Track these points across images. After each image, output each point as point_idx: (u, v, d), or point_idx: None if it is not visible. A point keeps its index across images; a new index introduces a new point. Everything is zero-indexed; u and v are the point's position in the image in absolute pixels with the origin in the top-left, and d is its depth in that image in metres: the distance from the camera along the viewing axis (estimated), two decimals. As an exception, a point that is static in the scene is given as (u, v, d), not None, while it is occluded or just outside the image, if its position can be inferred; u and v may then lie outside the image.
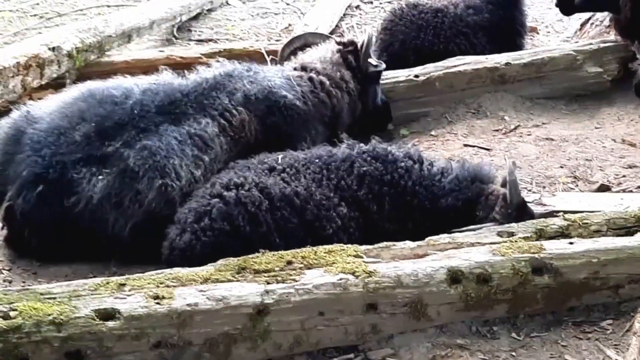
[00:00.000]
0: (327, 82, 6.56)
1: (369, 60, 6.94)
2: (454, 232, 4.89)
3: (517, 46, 8.94)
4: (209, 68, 6.21)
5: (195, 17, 11.21)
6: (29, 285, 4.71)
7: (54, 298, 3.95)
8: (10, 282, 5.13)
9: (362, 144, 5.47)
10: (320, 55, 6.83)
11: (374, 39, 6.97)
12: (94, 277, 4.88)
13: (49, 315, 3.80)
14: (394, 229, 5.12)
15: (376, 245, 4.58)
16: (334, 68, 6.71)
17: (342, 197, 5.13)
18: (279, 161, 5.31)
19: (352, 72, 6.82)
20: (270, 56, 8.14)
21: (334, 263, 4.34)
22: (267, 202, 4.96)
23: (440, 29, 8.54)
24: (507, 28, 8.95)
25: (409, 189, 5.21)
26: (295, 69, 6.65)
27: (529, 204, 5.24)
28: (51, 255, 5.36)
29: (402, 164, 5.28)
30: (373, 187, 5.19)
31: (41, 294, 3.98)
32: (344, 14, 11.30)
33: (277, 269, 4.29)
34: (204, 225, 4.88)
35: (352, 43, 6.93)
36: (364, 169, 5.22)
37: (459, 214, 5.17)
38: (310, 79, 6.50)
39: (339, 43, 6.94)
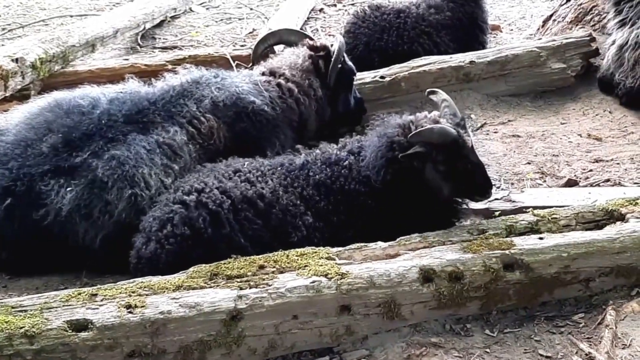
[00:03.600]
0: (296, 90, 6.52)
1: (346, 63, 6.96)
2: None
3: (480, 43, 9.01)
4: (176, 75, 6.18)
5: (159, 25, 11.19)
6: None
7: (26, 311, 3.93)
8: (-20, 296, 5.09)
9: (317, 151, 5.39)
10: (291, 61, 6.77)
11: (344, 48, 6.92)
12: (65, 288, 4.83)
13: (21, 328, 3.78)
14: (352, 235, 4.96)
15: (348, 247, 4.60)
16: (303, 75, 6.66)
17: (307, 206, 5.09)
18: (245, 166, 5.28)
19: (321, 79, 6.78)
20: (236, 61, 8.13)
21: (306, 266, 4.35)
22: (229, 202, 4.92)
23: (403, 29, 8.58)
24: (469, 25, 9.01)
25: (352, 192, 5.11)
26: (263, 73, 6.61)
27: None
28: (21, 267, 5.32)
29: (346, 162, 5.20)
30: (330, 197, 5.12)
31: (12, 307, 3.96)
32: (308, 18, 11.32)
33: (249, 273, 4.29)
34: (167, 232, 4.84)
35: (325, 48, 6.88)
36: (317, 177, 5.16)
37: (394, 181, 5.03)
38: (279, 85, 6.47)
39: (311, 48, 6.88)
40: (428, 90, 5.67)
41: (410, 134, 4.98)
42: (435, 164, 4.96)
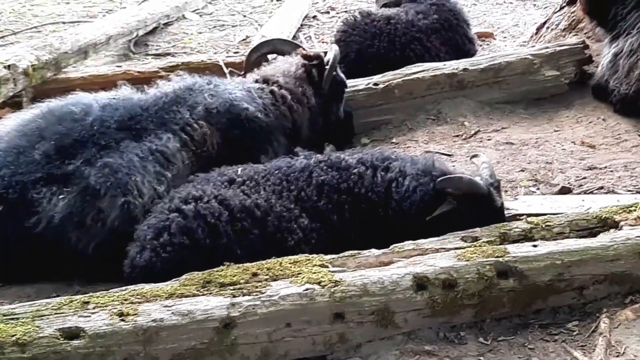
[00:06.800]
0: (289, 97, 6.50)
1: (338, 74, 6.96)
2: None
3: (469, 39, 9.03)
4: (169, 82, 6.16)
5: (152, 32, 11.17)
6: (-9, 307, 4.65)
7: (17, 318, 3.92)
8: (-29, 304, 5.06)
9: (318, 155, 5.43)
10: (284, 68, 6.76)
11: (339, 56, 6.92)
12: (58, 296, 4.80)
13: (13, 336, 3.77)
14: (354, 237, 5.04)
15: (341, 255, 4.58)
16: (296, 83, 6.65)
17: (303, 207, 5.09)
18: (239, 173, 5.27)
19: (314, 88, 6.78)
20: (229, 68, 8.13)
21: (299, 273, 4.33)
22: (227, 213, 4.90)
23: (394, 35, 8.58)
24: (457, 22, 9.02)
25: (362, 196, 5.15)
26: (257, 81, 6.59)
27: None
28: (13, 275, 5.29)
29: (355, 170, 5.23)
30: (332, 196, 5.15)
31: (4, 314, 3.95)
32: (301, 25, 11.32)
33: (242, 281, 4.28)
34: (163, 241, 4.80)
35: (318, 57, 6.87)
36: (322, 178, 5.18)
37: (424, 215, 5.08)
38: (272, 92, 6.46)
39: (304, 56, 6.87)
40: (472, 154, 5.81)
41: (439, 179, 5.06)
42: (463, 218, 5.01)
